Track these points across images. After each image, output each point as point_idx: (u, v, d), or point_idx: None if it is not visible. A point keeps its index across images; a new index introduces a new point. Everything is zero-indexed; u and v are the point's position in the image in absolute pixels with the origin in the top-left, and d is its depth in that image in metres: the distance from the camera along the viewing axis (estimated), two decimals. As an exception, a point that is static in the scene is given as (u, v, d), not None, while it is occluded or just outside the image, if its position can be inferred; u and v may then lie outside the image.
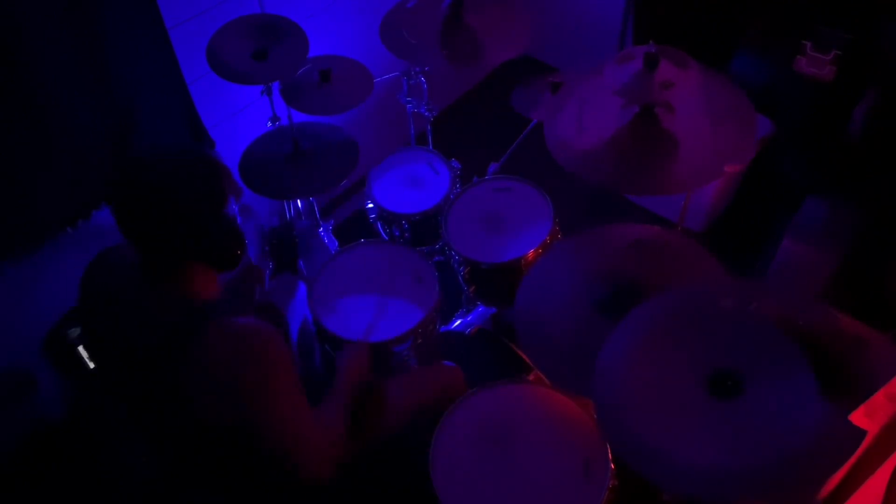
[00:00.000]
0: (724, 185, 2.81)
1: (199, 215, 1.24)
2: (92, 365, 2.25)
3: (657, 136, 1.64)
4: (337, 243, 2.55)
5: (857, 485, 1.32)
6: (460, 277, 2.16)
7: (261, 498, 1.44)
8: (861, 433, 1.12)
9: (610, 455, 1.49)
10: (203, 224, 1.25)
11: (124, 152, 2.18)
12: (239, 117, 2.56)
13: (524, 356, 2.03)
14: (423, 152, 2.45)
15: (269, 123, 2.34)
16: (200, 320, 1.24)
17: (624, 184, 1.70)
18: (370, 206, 2.35)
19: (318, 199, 2.65)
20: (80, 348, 2.24)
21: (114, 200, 1.23)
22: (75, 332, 2.24)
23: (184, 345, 1.22)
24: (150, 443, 1.47)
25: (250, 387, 1.22)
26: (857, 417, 1.16)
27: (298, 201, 2.59)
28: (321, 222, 2.60)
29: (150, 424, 1.40)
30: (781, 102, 2.72)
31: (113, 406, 2.31)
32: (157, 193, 1.21)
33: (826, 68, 2.48)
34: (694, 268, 1.70)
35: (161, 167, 1.23)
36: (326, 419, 1.42)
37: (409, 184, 2.36)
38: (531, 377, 1.96)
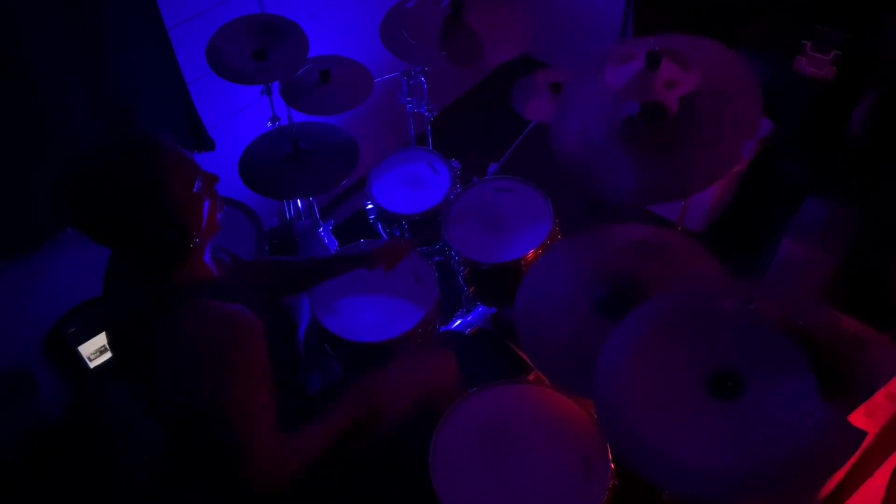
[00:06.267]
0: (724, 185, 2.81)
1: (128, 210, 1.17)
2: (92, 365, 2.26)
3: (664, 137, 1.64)
4: (337, 243, 2.55)
5: (857, 485, 1.32)
6: (460, 277, 2.16)
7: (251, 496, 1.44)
8: (861, 434, 1.12)
9: (610, 455, 1.49)
10: (136, 218, 1.18)
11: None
12: (239, 117, 2.56)
13: (524, 356, 2.03)
14: (423, 152, 2.45)
15: (269, 123, 2.34)
16: (173, 301, 1.22)
17: (645, 198, 1.69)
18: (370, 206, 2.35)
19: (318, 199, 2.65)
20: (80, 348, 2.24)
21: (68, 199, 1.18)
22: (74, 331, 2.24)
23: (151, 325, 1.21)
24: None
25: (209, 375, 1.19)
26: (857, 417, 1.16)
27: (298, 201, 2.59)
28: (321, 222, 2.60)
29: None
30: (781, 102, 2.72)
31: (115, 404, 2.32)
32: (83, 194, 1.16)
33: (826, 68, 2.48)
34: (694, 268, 1.70)
35: (84, 165, 1.17)
36: (305, 437, 1.35)
37: (409, 184, 2.36)
38: (531, 377, 1.96)
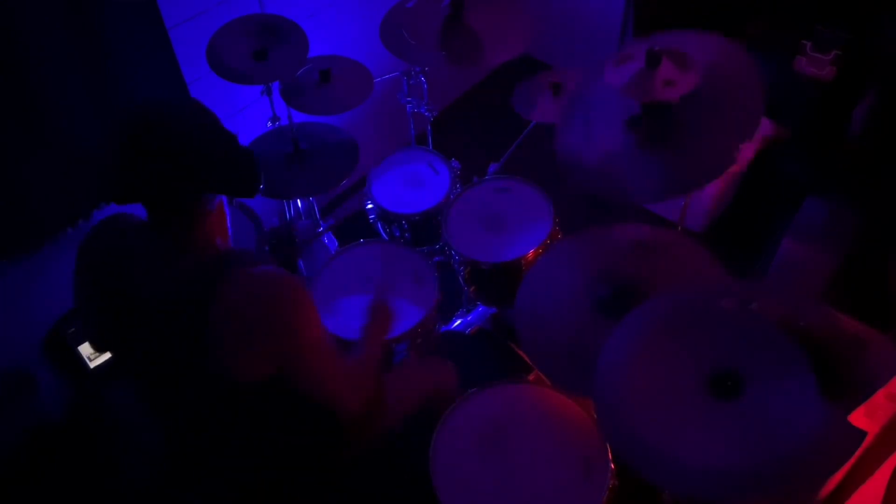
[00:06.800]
0: (724, 185, 2.81)
1: (213, 143, 1.25)
2: (92, 365, 2.26)
3: (665, 134, 1.64)
4: (337, 243, 2.55)
5: (857, 485, 1.32)
6: (460, 277, 2.16)
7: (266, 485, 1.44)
8: (861, 434, 1.12)
9: (610, 455, 1.49)
10: (217, 151, 1.25)
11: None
12: (239, 117, 2.56)
13: (524, 356, 2.03)
14: (423, 152, 2.45)
15: (269, 123, 2.34)
16: (223, 268, 1.24)
17: (649, 196, 1.69)
18: (370, 206, 2.35)
19: (318, 199, 2.65)
20: (80, 348, 2.24)
21: (127, 147, 1.21)
22: (74, 331, 2.24)
23: (208, 294, 1.20)
24: (165, 417, 1.46)
25: (284, 332, 1.22)
26: (857, 417, 1.16)
27: (298, 201, 2.59)
28: (321, 222, 2.59)
29: (170, 393, 1.37)
30: (781, 102, 2.72)
31: (115, 404, 2.32)
32: (170, 129, 1.21)
33: (826, 68, 2.48)
34: (694, 268, 1.70)
35: (166, 109, 1.25)
36: (357, 361, 1.47)
37: (409, 184, 2.36)
38: (531, 377, 1.96)
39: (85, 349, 2.24)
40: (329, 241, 2.54)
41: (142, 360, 1.35)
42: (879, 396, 1.21)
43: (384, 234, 2.38)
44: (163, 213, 1.27)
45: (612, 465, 1.48)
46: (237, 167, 1.29)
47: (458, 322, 2.34)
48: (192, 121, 1.24)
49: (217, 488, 1.45)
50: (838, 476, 1.34)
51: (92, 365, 2.25)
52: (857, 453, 1.28)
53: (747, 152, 2.66)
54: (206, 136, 1.24)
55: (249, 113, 2.57)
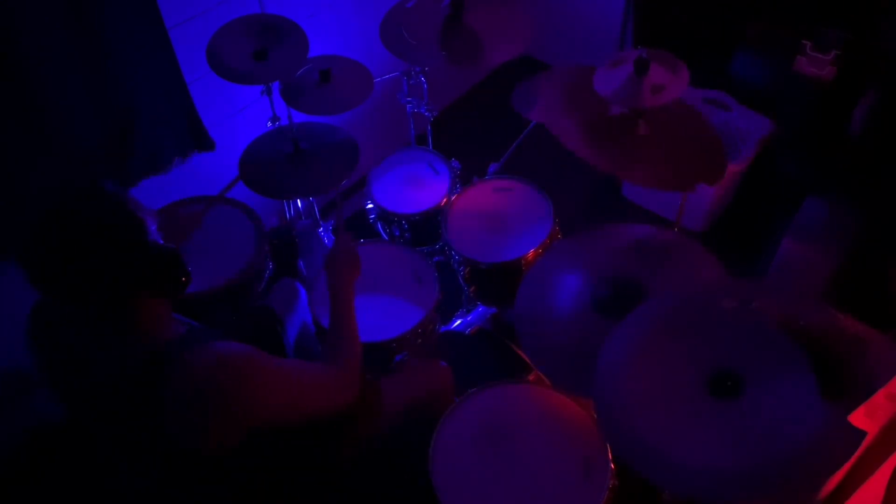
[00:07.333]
0: (724, 185, 2.81)
1: (124, 243, 1.19)
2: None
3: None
4: (337, 243, 2.54)
5: (857, 485, 1.32)
6: (460, 277, 2.16)
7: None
8: (861, 434, 1.12)
9: (610, 455, 1.49)
10: (132, 251, 1.19)
11: (124, 152, 2.18)
12: (239, 117, 2.56)
13: (524, 356, 2.03)
14: (423, 152, 2.45)
15: (269, 123, 2.34)
16: (168, 355, 1.21)
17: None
18: (370, 206, 2.35)
19: (318, 199, 2.65)
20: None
21: (34, 260, 1.18)
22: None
23: (157, 385, 1.18)
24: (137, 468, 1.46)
25: (237, 411, 1.19)
26: (857, 417, 1.16)
27: (298, 201, 2.59)
28: (321, 222, 2.59)
29: (138, 462, 1.39)
30: (781, 102, 2.72)
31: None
32: (75, 236, 1.17)
33: (826, 68, 2.48)
34: (694, 268, 1.70)
35: (66, 211, 1.19)
36: (336, 354, 1.45)
37: (409, 184, 2.36)
38: (531, 377, 1.96)
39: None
40: (329, 241, 2.54)
41: (104, 430, 1.38)
42: (879, 396, 1.21)
43: (384, 234, 2.38)
44: (89, 308, 1.25)
45: (612, 465, 1.48)
46: (154, 264, 1.22)
47: (458, 322, 2.34)
48: (105, 215, 1.18)
49: (217, 488, 1.45)
50: (838, 476, 1.33)
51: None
52: (857, 453, 1.28)
53: (747, 152, 2.66)
54: (118, 231, 1.18)
55: (249, 113, 2.57)
